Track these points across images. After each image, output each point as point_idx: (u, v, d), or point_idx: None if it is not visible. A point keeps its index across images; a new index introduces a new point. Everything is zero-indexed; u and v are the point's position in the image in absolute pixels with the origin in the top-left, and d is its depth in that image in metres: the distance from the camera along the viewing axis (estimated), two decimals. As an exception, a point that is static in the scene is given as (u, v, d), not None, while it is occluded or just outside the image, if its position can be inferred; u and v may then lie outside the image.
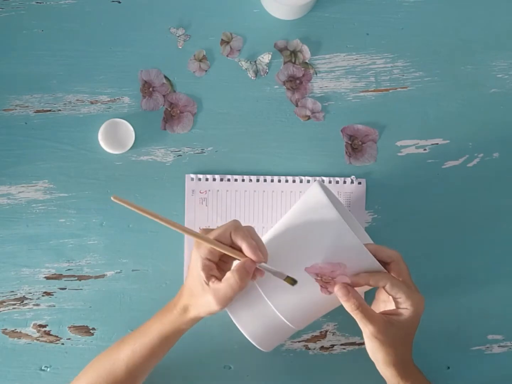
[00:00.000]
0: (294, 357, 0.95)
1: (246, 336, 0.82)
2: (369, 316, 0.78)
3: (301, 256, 0.81)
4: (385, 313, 0.80)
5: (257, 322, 0.82)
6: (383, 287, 0.79)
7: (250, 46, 0.96)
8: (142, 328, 0.84)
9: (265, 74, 0.96)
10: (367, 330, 0.78)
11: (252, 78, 0.96)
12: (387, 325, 0.78)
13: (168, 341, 0.83)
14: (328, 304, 0.84)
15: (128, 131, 0.94)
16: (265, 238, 0.86)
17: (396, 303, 0.80)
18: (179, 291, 0.83)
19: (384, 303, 0.84)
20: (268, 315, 0.82)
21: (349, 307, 0.78)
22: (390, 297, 0.82)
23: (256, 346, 0.83)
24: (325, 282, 0.79)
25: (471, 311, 0.95)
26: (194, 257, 0.79)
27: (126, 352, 0.83)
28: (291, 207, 0.94)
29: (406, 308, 0.79)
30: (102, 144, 0.93)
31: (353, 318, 0.92)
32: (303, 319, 0.84)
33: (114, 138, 0.94)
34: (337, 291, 0.78)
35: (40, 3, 0.95)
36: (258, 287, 0.81)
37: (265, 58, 0.95)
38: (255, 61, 0.95)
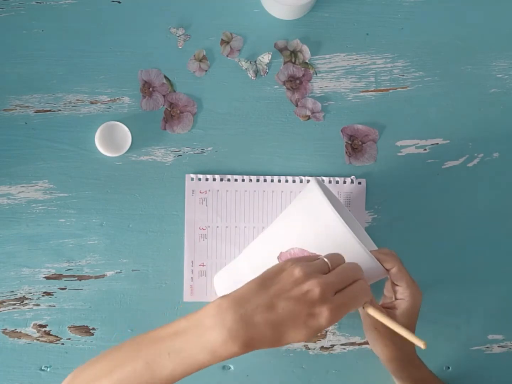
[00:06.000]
0: (294, 357, 0.95)
1: None
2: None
3: (281, 238, 0.82)
4: (384, 306, 0.83)
5: None
6: (388, 271, 0.81)
7: (250, 46, 0.96)
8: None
9: (265, 74, 0.96)
10: (367, 320, 0.81)
11: (252, 78, 0.96)
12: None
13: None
14: None
15: (124, 134, 0.94)
16: (261, 235, 0.86)
17: (395, 292, 0.82)
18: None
19: (390, 299, 0.85)
20: None
21: None
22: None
23: None
24: None
25: (471, 311, 0.95)
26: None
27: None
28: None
29: (403, 298, 0.81)
30: (99, 147, 0.93)
31: (353, 318, 0.92)
32: None
33: (111, 141, 0.94)
34: None
35: (40, 3, 0.95)
36: (249, 270, 0.81)
37: (265, 58, 0.95)
38: (255, 61, 0.95)
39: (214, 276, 0.92)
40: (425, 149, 0.96)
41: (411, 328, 0.83)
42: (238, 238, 0.95)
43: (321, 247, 0.78)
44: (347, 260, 0.73)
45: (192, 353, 0.65)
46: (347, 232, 0.77)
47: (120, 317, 0.94)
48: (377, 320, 0.78)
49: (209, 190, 0.95)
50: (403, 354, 0.82)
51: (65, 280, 0.94)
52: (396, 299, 0.82)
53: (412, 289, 0.81)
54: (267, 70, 0.96)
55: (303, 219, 0.81)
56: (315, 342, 0.95)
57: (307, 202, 0.82)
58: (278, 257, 0.80)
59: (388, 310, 0.82)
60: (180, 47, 0.96)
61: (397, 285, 0.82)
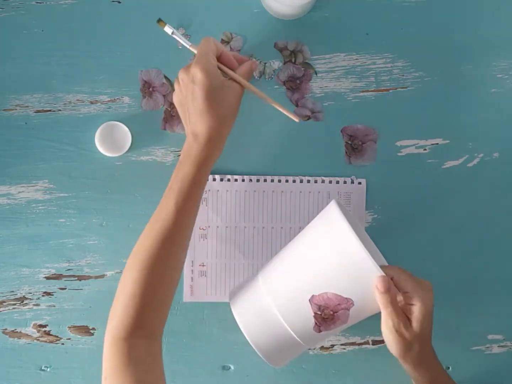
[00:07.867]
0: (294, 357, 0.95)
1: (260, 356, 0.83)
2: (396, 311, 0.80)
3: (312, 280, 0.81)
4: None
5: (272, 342, 0.82)
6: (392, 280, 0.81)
7: (250, 46, 0.96)
8: (177, 182, 0.83)
9: (269, 79, 0.95)
10: (390, 322, 0.80)
11: (257, 78, 0.95)
12: (407, 323, 0.81)
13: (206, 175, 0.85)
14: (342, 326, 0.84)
15: (124, 134, 0.94)
16: (283, 259, 0.85)
17: (405, 298, 0.82)
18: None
19: (400, 303, 0.84)
20: (283, 336, 0.82)
21: (384, 300, 0.79)
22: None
23: (269, 364, 0.83)
24: (324, 318, 0.80)
25: (471, 311, 0.95)
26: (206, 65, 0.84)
27: (170, 208, 0.82)
28: (293, 209, 0.94)
29: (414, 304, 0.81)
30: (99, 147, 0.93)
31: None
32: (316, 339, 0.84)
33: (111, 141, 0.94)
34: (379, 283, 0.78)
35: (40, 3, 0.95)
36: (275, 307, 0.81)
37: (275, 64, 0.95)
38: (264, 63, 0.95)
39: (228, 292, 0.92)
40: (425, 149, 0.96)
41: (427, 331, 0.83)
42: (238, 238, 0.95)
43: (352, 290, 0.79)
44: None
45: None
46: (380, 275, 0.78)
47: (120, 317, 0.94)
48: (400, 324, 0.80)
49: (209, 190, 0.95)
50: (419, 351, 0.83)
51: (65, 280, 0.94)
52: (407, 304, 0.82)
53: (419, 293, 0.81)
54: (272, 76, 0.96)
55: (336, 262, 0.79)
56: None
57: (338, 241, 0.80)
58: (309, 300, 0.80)
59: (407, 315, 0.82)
60: (180, 47, 0.96)
61: (406, 292, 0.82)
